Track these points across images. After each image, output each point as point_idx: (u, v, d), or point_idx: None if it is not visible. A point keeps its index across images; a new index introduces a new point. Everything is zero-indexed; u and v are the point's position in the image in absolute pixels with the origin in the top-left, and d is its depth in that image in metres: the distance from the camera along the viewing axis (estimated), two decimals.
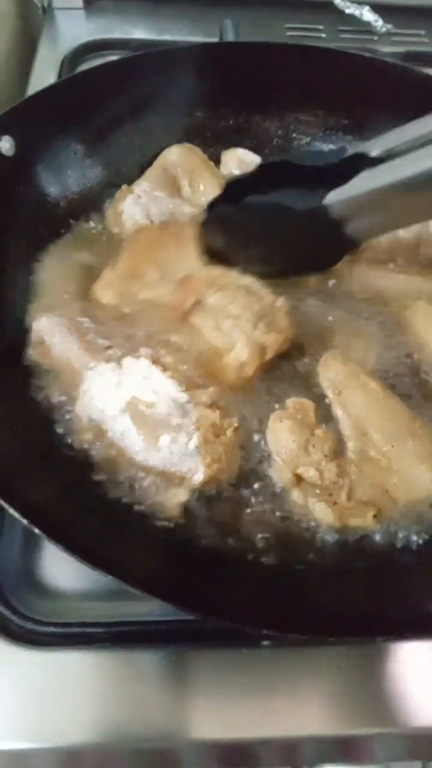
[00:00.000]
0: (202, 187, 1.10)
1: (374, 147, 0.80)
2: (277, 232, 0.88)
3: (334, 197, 0.80)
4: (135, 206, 1.03)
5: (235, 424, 0.81)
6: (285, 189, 0.86)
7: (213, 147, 1.17)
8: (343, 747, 0.76)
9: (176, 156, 1.11)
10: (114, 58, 1.36)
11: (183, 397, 0.80)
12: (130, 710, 0.74)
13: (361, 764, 0.83)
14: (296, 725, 0.74)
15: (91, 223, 1.07)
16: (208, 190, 1.09)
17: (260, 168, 0.94)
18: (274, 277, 0.94)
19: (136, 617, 0.79)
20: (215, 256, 0.94)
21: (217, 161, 1.16)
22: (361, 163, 0.79)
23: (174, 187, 1.09)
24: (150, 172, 1.09)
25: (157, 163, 1.11)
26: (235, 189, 0.90)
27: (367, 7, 1.58)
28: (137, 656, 0.77)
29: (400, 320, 0.96)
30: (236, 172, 1.13)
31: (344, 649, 0.77)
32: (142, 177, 1.09)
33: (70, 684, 0.75)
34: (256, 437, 0.84)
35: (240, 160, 1.14)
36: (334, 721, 0.74)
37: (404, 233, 1.03)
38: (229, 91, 1.17)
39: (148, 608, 0.80)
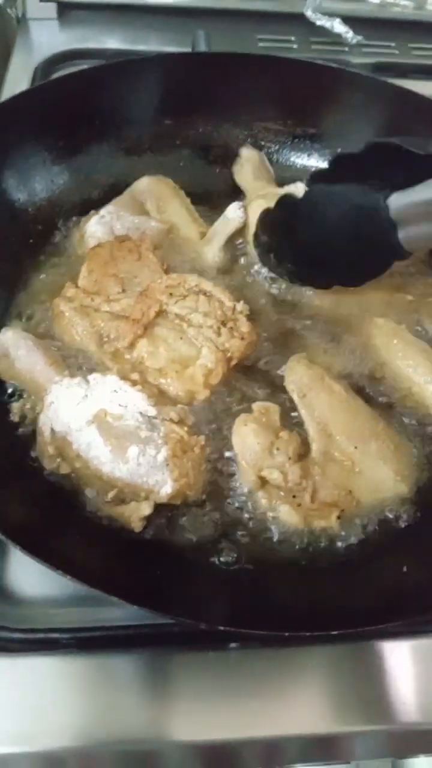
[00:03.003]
0: (168, 211, 1.10)
1: None
2: (331, 226, 0.88)
3: (398, 198, 0.81)
4: (98, 225, 1.03)
5: (202, 442, 0.82)
6: (351, 183, 0.88)
7: (181, 153, 1.19)
8: (324, 745, 0.76)
9: (145, 185, 1.11)
10: (87, 67, 1.38)
11: (151, 411, 0.81)
12: (102, 714, 0.73)
13: (338, 762, 0.84)
14: (277, 725, 0.74)
15: (59, 237, 1.07)
16: (174, 214, 1.09)
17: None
18: (313, 285, 0.98)
19: (102, 622, 0.79)
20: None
21: (187, 171, 1.18)
22: None
23: (140, 210, 1.09)
24: (118, 199, 1.10)
25: (126, 191, 1.11)
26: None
27: (338, 20, 1.60)
28: (105, 661, 0.77)
29: (363, 335, 0.98)
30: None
31: (322, 649, 0.78)
32: (110, 203, 1.09)
33: (39, 690, 0.74)
34: (223, 444, 0.85)
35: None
36: (315, 720, 0.74)
37: None
38: (199, 100, 1.18)
39: (114, 614, 0.79)
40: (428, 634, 0.79)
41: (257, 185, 1.13)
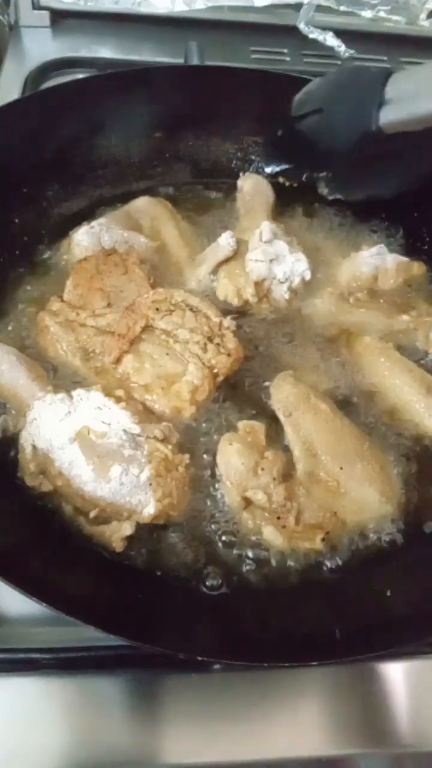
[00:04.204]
0: (161, 231, 1.09)
1: None
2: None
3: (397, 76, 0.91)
4: (86, 234, 1.02)
5: (187, 461, 0.81)
6: None
7: (171, 166, 1.19)
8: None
9: (143, 204, 1.11)
10: (80, 76, 1.38)
11: (136, 428, 0.80)
12: (84, 736, 0.72)
13: None
14: (263, 748, 0.73)
15: (45, 249, 1.07)
16: (167, 235, 1.08)
17: None
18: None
19: (85, 642, 0.77)
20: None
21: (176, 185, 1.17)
22: None
23: (134, 227, 1.08)
24: (113, 213, 1.09)
25: (123, 208, 1.11)
26: None
27: (330, 33, 1.61)
28: (87, 682, 0.76)
29: (351, 353, 0.98)
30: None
31: (308, 671, 0.77)
32: (104, 216, 1.08)
33: (19, 711, 0.73)
34: (208, 463, 0.85)
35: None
36: (302, 743, 0.74)
37: (365, 268, 1.06)
38: (190, 113, 1.18)
39: (97, 633, 0.76)
40: (418, 656, 0.79)
41: (247, 218, 1.13)
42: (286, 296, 1.02)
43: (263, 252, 1.01)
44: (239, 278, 1.01)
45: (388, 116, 0.91)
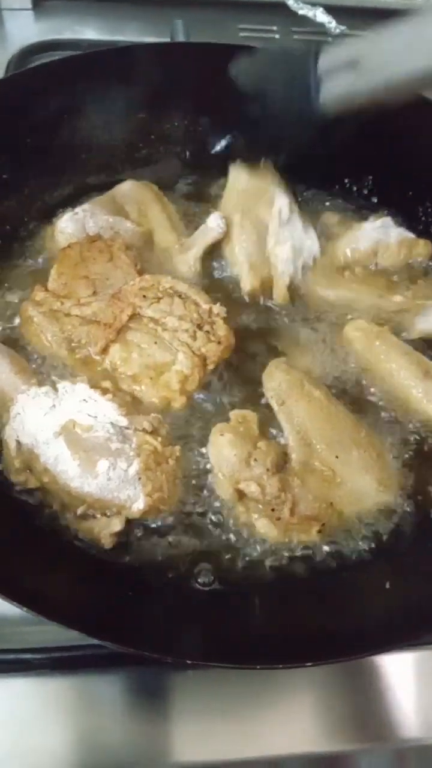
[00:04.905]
0: (148, 216, 1.06)
1: None
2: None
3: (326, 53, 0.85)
4: (70, 221, 0.99)
5: (177, 453, 0.78)
6: None
7: (157, 148, 1.15)
8: (327, 764, 0.74)
9: (128, 188, 1.08)
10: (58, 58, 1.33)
11: (123, 421, 0.77)
12: (79, 737, 0.71)
13: None
14: (278, 744, 0.72)
15: (28, 238, 1.04)
16: (154, 220, 1.05)
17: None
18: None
19: (78, 641, 0.75)
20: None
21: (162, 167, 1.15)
22: None
23: (119, 212, 1.05)
24: (97, 199, 1.06)
25: (108, 193, 1.08)
26: None
27: (320, 9, 1.57)
28: (81, 681, 0.74)
29: (345, 337, 0.94)
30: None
31: (325, 668, 0.75)
32: (88, 202, 1.05)
33: (12, 713, 0.72)
34: (199, 455, 0.82)
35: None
36: (316, 738, 0.73)
37: (363, 243, 1.02)
38: (176, 92, 1.14)
39: None
40: (420, 647, 0.77)
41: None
42: (301, 276, 0.99)
43: (291, 248, 0.96)
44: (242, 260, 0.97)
45: (329, 96, 0.84)
